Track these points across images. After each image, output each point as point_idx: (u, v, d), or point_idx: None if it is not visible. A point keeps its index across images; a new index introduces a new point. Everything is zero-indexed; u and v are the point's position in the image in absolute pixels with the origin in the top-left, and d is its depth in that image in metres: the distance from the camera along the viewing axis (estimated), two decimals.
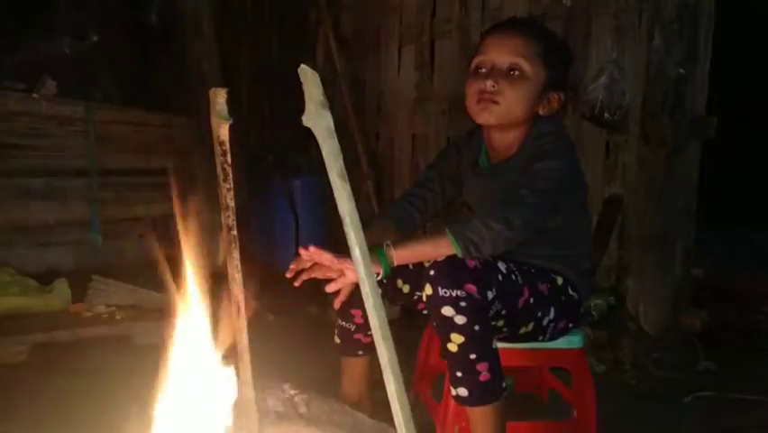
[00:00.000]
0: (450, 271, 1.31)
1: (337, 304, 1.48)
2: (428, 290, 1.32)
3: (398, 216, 1.63)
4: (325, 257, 1.37)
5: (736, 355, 2.36)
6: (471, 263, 1.33)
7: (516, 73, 1.45)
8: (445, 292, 1.29)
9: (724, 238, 3.16)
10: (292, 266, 1.44)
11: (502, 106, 1.46)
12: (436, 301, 1.30)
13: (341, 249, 1.49)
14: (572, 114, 2.45)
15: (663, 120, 2.22)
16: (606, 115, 2.31)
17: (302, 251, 1.38)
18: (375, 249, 1.35)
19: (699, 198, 2.40)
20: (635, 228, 2.35)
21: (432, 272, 1.32)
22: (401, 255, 1.39)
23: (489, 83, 1.45)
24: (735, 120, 3.63)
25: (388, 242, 1.39)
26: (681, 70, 2.19)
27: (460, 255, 1.34)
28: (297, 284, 1.43)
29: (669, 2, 2.18)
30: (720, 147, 2.47)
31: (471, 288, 1.29)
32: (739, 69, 4.26)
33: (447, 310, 1.29)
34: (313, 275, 1.42)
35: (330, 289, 1.41)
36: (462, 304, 1.28)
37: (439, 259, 1.34)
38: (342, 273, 1.39)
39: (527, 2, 2.64)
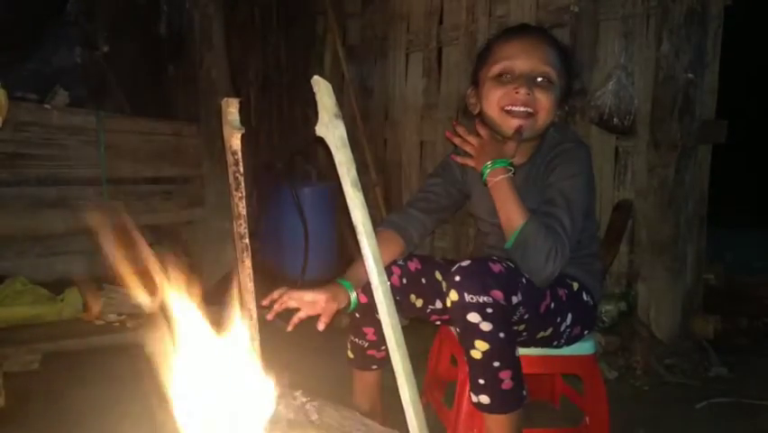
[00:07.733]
0: (476, 275, 1.26)
1: (321, 326, 1.41)
2: (453, 295, 1.27)
3: (403, 224, 1.61)
4: (307, 297, 1.40)
5: (749, 361, 2.34)
6: (497, 268, 1.29)
7: (545, 81, 1.42)
8: (471, 298, 1.24)
9: (736, 241, 3.13)
10: (269, 300, 1.41)
11: (536, 117, 1.43)
12: (462, 307, 1.26)
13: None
14: (581, 119, 2.44)
15: (673, 125, 2.21)
16: (615, 120, 2.31)
17: (279, 303, 1.40)
18: (339, 281, 1.44)
19: (710, 200, 2.38)
20: (646, 234, 2.33)
21: (457, 278, 1.27)
22: (500, 192, 1.40)
23: (524, 91, 1.40)
24: (749, 122, 3.60)
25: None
26: (690, 75, 2.18)
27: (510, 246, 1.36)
28: (269, 318, 1.37)
29: (677, 7, 2.18)
30: (733, 149, 2.45)
31: (498, 294, 1.25)
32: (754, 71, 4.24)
33: (473, 317, 1.25)
34: (299, 315, 1.41)
35: (321, 327, 1.39)
36: (489, 310, 1.24)
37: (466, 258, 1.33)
38: (321, 308, 1.39)
39: (535, 8, 2.64)
